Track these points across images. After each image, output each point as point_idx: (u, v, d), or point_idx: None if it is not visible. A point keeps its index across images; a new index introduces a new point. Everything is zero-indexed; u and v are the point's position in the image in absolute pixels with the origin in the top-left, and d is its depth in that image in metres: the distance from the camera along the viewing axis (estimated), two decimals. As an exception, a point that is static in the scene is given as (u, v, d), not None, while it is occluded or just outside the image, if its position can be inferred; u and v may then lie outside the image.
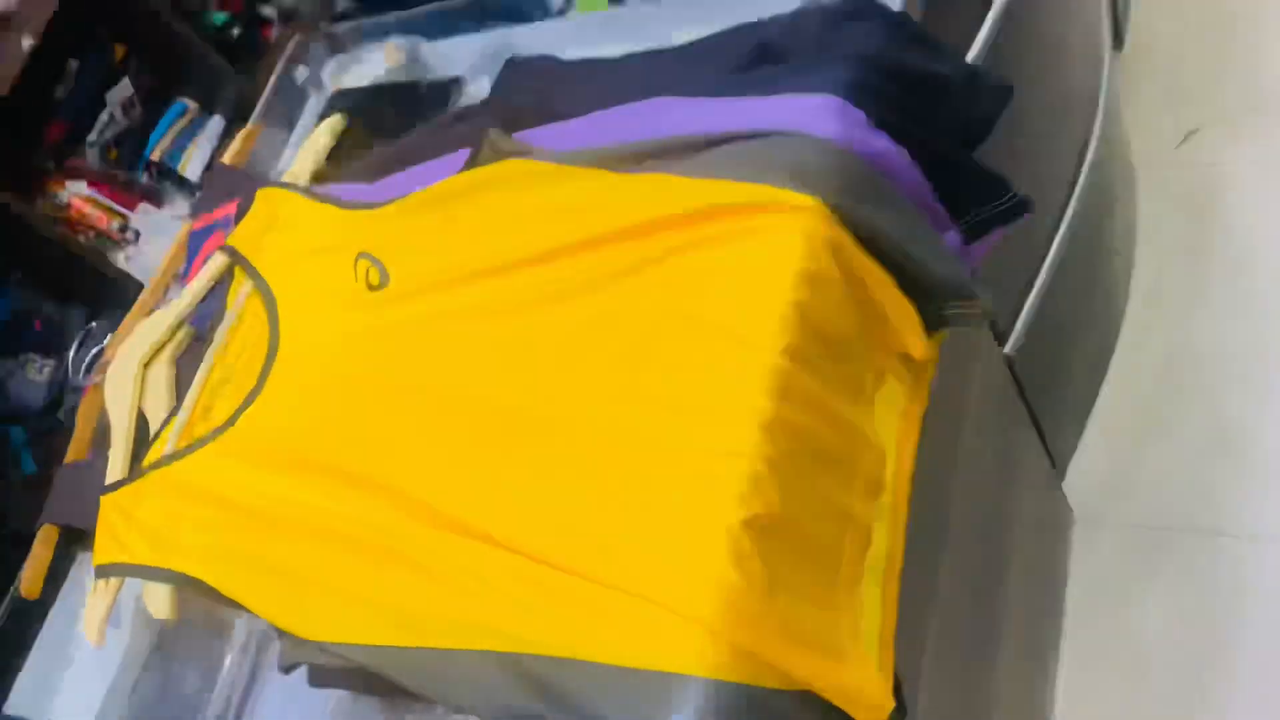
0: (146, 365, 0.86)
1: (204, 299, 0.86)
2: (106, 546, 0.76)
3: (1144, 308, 1.66)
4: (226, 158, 0.95)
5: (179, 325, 0.86)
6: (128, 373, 0.85)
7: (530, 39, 0.90)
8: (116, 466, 0.80)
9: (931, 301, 0.68)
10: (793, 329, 0.59)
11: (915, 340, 0.69)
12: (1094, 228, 1.48)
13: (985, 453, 1.14)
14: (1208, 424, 1.52)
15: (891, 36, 0.67)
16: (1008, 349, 1.26)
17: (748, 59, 0.68)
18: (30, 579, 0.77)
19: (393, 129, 0.87)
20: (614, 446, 0.60)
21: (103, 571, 0.76)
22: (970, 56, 1.01)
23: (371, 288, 0.75)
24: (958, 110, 0.69)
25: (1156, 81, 1.81)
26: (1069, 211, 1.32)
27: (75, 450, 0.84)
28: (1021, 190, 0.76)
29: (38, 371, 1.64)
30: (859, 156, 0.62)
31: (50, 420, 1.63)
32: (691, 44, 0.73)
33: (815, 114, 0.62)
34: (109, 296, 1.71)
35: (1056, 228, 1.30)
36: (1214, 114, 1.74)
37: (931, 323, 0.70)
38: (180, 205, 1.87)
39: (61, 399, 1.66)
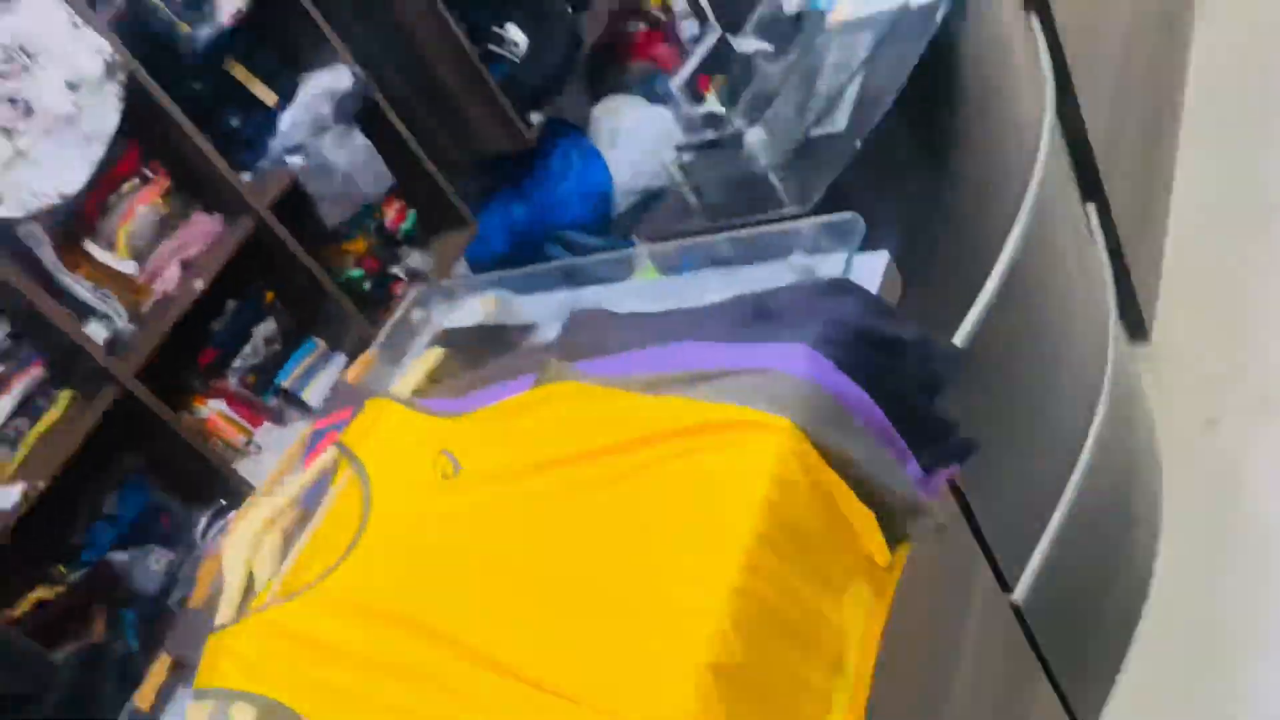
0: (261, 534, 1.05)
1: (313, 484, 1.06)
2: (206, 673, 0.92)
3: (1171, 580, 1.74)
4: (347, 376, 1.19)
5: (291, 504, 1.06)
6: (244, 539, 1.05)
7: (595, 297, 1.13)
8: (225, 612, 0.98)
9: (891, 518, 0.84)
10: (763, 519, 0.75)
11: (877, 548, 0.84)
12: (1112, 497, 1.61)
13: (987, 687, 1.23)
14: (1232, 698, 1.56)
15: (860, 307, 0.87)
16: (1016, 596, 1.37)
17: (750, 317, 0.89)
18: (145, 694, 0.93)
19: (480, 360, 1.09)
20: (614, 604, 0.76)
21: (200, 694, 0.91)
22: (967, 325, 1.21)
23: (446, 477, 0.94)
24: (914, 366, 0.88)
25: (1181, 370, 1.97)
26: (1076, 474, 1.46)
27: (195, 600, 1.02)
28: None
29: (157, 562, 1.85)
30: (825, 392, 0.80)
31: (160, 606, 1.82)
32: (711, 305, 0.95)
33: (791, 357, 0.81)
34: (228, 498, 1.95)
35: (1063, 486, 1.44)
36: (1236, 403, 1.88)
37: (893, 536, 0.85)
38: (300, 426, 2.13)
39: (172, 589, 1.85)
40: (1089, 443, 1.48)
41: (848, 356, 0.83)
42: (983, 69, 1.28)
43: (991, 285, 1.23)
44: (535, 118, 2.75)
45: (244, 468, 2.02)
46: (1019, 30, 1.46)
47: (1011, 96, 1.36)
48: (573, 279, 1.22)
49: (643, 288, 1.08)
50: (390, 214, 2.41)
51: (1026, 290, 1.30)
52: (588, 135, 2.95)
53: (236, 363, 2.13)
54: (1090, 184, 1.73)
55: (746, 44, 1.05)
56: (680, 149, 1.05)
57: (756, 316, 0.88)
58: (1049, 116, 1.45)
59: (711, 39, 1.04)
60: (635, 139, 2.82)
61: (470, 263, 2.66)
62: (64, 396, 1.83)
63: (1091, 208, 1.75)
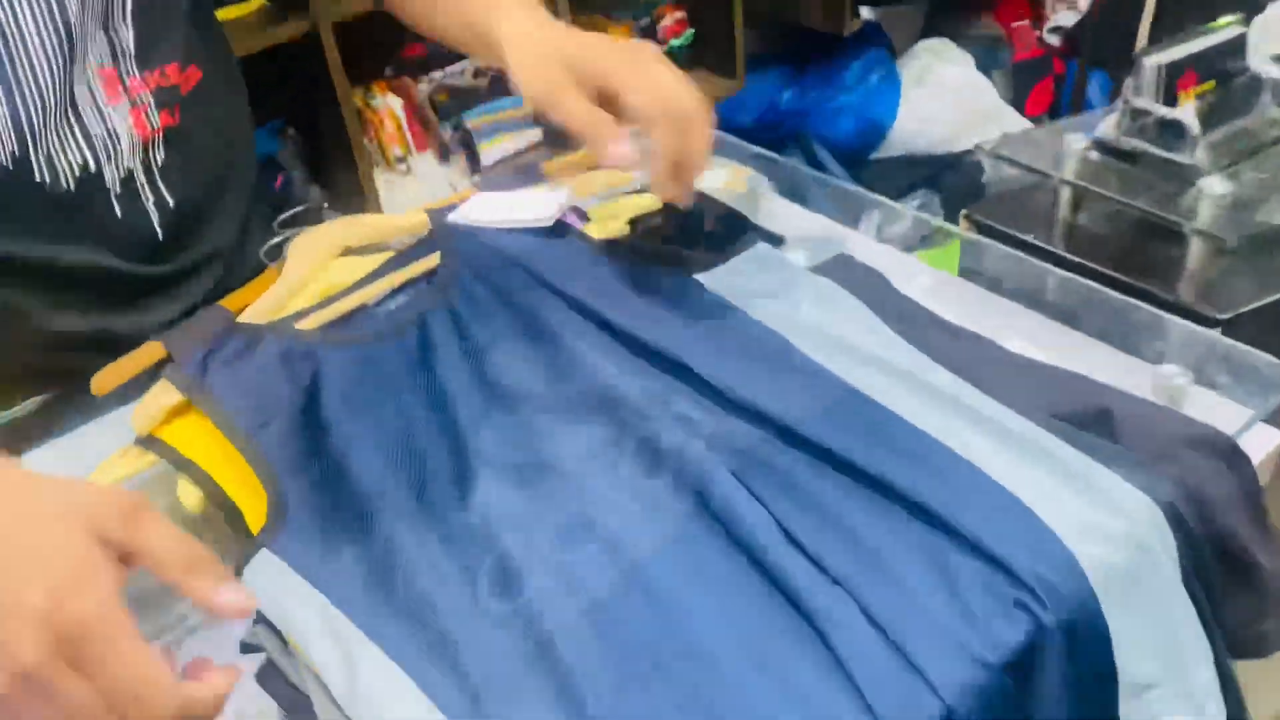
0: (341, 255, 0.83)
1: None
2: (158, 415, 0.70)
3: None
4: (543, 166, 0.94)
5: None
6: (320, 248, 0.83)
7: (869, 250, 0.85)
8: (252, 313, 0.76)
9: None
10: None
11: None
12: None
13: None
14: None
15: (1238, 496, 0.58)
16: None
17: (1082, 416, 0.60)
18: (106, 379, 0.72)
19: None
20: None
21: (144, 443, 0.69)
22: None
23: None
24: (1247, 610, 0.59)
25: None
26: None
27: (234, 301, 0.79)
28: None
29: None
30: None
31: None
32: (1023, 358, 0.66)
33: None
34: (349, 197, 1.76)
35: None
36: None
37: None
38: (456, 174, 1.91)
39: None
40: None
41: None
42: None
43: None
44: (864, 12, 2.41)
45: (381, 180, 1.81)
46: None
47: None
48: (844, 205, 0.95)
49: (935, 280, 0.80)
50: (669, 21, 2.13)
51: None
52: (898, 60, 2.59)
53: (438, 74, 1.91)
54: None
55: (1270, 68, 0.73)
56: (1098, 143, 0.75)
57: (1091, 420, 0.60)
58: None
59: (1225, 37, 0.72)
60: (945, 93, 2.47)
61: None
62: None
63: None
